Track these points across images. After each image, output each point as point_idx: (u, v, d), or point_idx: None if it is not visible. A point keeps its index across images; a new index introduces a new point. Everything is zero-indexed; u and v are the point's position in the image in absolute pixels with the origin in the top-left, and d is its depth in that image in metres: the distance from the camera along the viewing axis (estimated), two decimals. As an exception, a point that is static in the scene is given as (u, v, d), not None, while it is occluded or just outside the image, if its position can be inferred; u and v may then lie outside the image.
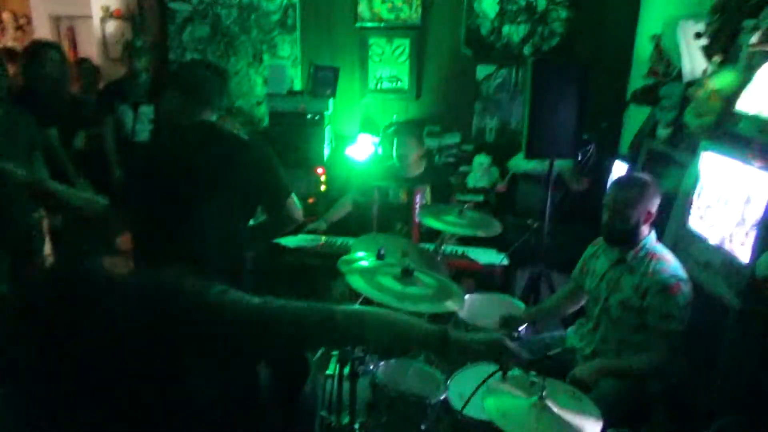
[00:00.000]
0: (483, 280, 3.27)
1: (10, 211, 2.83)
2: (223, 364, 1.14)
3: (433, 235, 3.02)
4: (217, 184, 1.98)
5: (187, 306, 1.08)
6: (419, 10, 4.32)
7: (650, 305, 2.07)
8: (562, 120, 2.97)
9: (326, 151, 4.22)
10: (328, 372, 2.33)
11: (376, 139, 4.41)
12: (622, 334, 2.19)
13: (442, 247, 2.88)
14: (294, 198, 2.19)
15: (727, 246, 2.27)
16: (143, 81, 4.05)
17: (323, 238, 3.42)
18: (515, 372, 1.42)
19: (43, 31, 6.22)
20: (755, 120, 2.24)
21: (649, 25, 3.90)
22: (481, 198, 4.23)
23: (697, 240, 2.47)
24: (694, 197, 2.56)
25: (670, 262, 2.11)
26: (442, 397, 2.01)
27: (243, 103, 4.70)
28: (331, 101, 4.21)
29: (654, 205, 2.12)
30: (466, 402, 1.58)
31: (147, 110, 4.07)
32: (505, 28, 4.32)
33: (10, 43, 6.48)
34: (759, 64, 2.33)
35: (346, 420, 2.13)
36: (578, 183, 3.84)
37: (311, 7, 4.47)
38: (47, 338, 0.97)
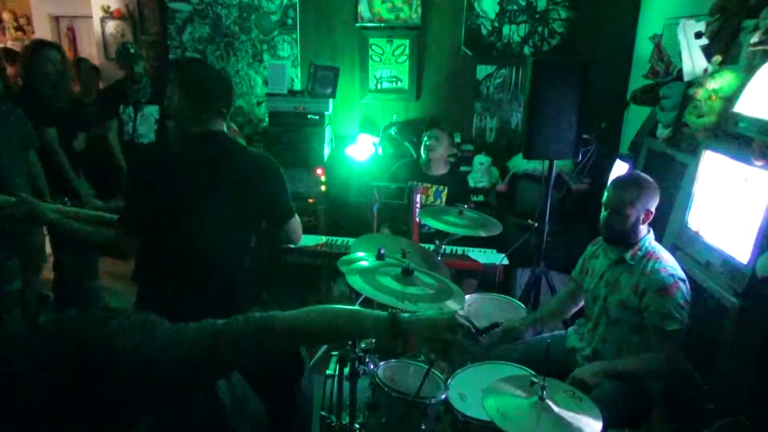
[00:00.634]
0: (483, 280, 3.27)
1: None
2: (171, 399, 1.12)
3: (432, 236, 3.03)
4: (230, 197, 1.97)
5: (108, 357, 1.04)
6: (419, 10, 4.32)
7: (649, 305, 2.07)
8: (561, 120, 2.97)
9: (326, 151, 4.22)
10: (328, 372, 2.33)
11: (376, 139, 4.41)
12: (621, 334, 2.19)
13: (443, 247, 2.88)
14: (297, 219, 2.19)
15: (727, 246, 2.27)
16: (145, 82, 4.06)
17: (323, 238, 3.42)
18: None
19: (43, 31, 6.23)
20: (755, 120, 2.24)
21: (649, 25, 3.90)
22: (481, 198, 4.23)
23: (697, 240, 2.47)
24: (694, 197, 2.56)
25: (668, 262, 2.11)
26: (442, 397, 2.01)
27: (243, 103, 4.70)
28: (331, 101, 4.21)
29: (653, 204, 2.12)
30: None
31: (149, 110, 4.07)
32: (505, 28, 4.32)
33: (9, 43, 6.48)
34: (759, 64, 2.33)
35: (346, 420, 2.13)
36: (578, 182, 3.84)
37: (311, 7, 4.47)
38: None
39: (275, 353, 1.23)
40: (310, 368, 2.31)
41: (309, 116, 4.12)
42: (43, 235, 3.55)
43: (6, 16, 7.01)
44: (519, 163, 4.13)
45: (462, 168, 4.33)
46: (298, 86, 4.52)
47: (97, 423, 1.02)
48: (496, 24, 4.31)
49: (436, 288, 2.09)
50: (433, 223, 2.67)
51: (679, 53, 2.72)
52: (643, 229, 2.16)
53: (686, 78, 2.71)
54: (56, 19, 6.28)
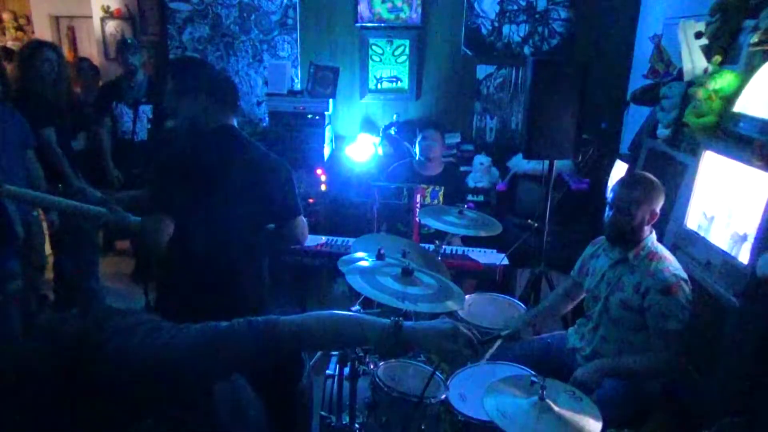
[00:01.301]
0: (483, 280, 3.27)
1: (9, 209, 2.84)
2: (171, 401, 1.12)
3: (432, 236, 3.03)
4: (243, 193, 1.98)
5: (112, 358, 1.05)
6: (419, 10, 4.32)
7: (651, 305, 2.07)
8: (561, 120, 2.97)
9: (326, 151, 4.22)
10: (328, 372, 2.33)
11: (377, 139, 4.41)
12: (622, 334, 2.19)
13: (443, 247, 2.88)
14: (302, 219, 2.21)
15: (727, 246, 2.27)
16: (141, 80, 4.05)
17: (323, 238, 3.42)
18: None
19: (43, 31, 6.23)
20: (755, 120, 2.24)
21: (649, 25, 3.90)
22: (481, 198, 4.23)
23: (697, 240, 2.47)
24: (694, 197, 2.56)
25: (670, 262, 2.11)
26: (442, 397, 2.01)
27: (243, 103, 4.70)
28: (331, 101, 4.21)
29: (658, 205, 2.13)
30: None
31: (143, 109, 4.07)
32: (506, 28, 4.32)
33: (9, 43, 6.48)
34: (759, 64, 2.33)
35: (346, 420, 2.13)
36: (578, 182, 3.84)
37: (311, 7, 4.47)
38: None
39: (276, 357, 1.23)
40: (310, 368, 2.31)
41: (309, 116, 4.12)
42: (44, 235, 3.55)
43: (6, 16, 7.02)
44: (519, 163, 4.13)
45: (462, 168, 4.33)
46: (298, 86, 4.52)
47: (96, 425, 1.02)
48: (496, 24, 4.31)
49: (436, 288, 2.09)
50: (433, 223, 2.67)
51: (679, 53, 2.72)
52: (647, 229, 2.16)
53: (686, 78, 2.71)
54: (56, 19, 6.28)
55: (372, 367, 2.15)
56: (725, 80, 2.45)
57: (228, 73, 2.12)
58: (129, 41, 4.03)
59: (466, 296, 2.56)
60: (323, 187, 4.15)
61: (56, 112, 3.42)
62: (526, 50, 4.34)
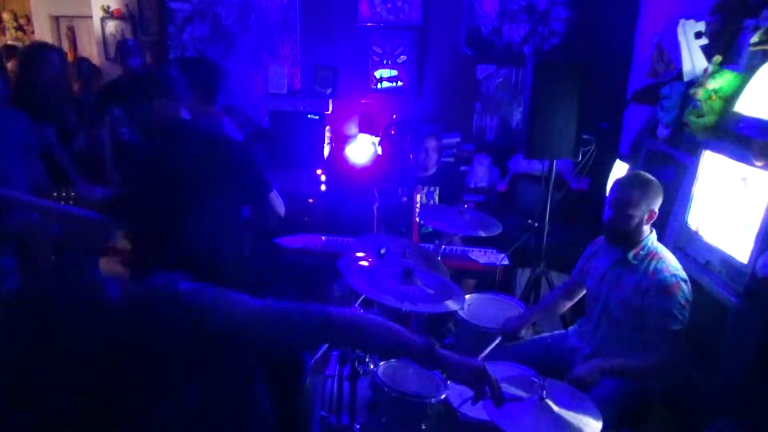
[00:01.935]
0: (483, 280, 3.27)
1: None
2: (218, 371, 1.14)
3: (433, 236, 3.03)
4: (209, 183, 1.99)
5: (180, 311, 1.09)
6: (419, 10, 4.32)
7: (651, 305, 2.07)
8: (562, 120, 2.97)
9: (326, 151, 4.22)
10: (328, 372, 2.33)
11: (376, 139, 4.41)
12: (622, 334, 2.19)
13: (443, 247, 2.88)
14: (275, 193, 2.22)
15: (727, 246, 2.27)
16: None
17: (323, 238, 3.42)
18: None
19: (43, 31, 6.23)
20: (755, 120, 2.24)
21: (649, 24, 3.90)
22: (481, 198, 4.23)
23: (697, 240, 2.47)
24: (694, 197, 2.56)
25: (670, 262, 2.11)
26: (442, 397, 2.01)
27: (243, 103, 4.70)
28: (331, 101, 4.21)
29: (656, 204, 2.12)
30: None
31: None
32: (506, 28, 4.32)
33: (10, 43, 6.48)
34: (759, 64, 2.33)
35: (346, 420, 2.13)
36: (578, 182, 3.84)
37: (311, 7, 4.47)
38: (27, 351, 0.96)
39: (325, 341, 1.27)
40: (310, 368, 2.31)
41: (309, 116, 4.12)
42: (46, 235, 3.55)
43: (6, 16, 7.01)
44: (519, 163, 4.13)
45: (462, 168, 4.33)
46: (298, 86, 4.52)
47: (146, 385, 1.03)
48: (496, 24, 4.31)
49: (436, 288, 2.09)
50: (433, 223, 2.67)
51: (680, 53, 2.72)
52: (647, 229, 2.16)
53: (686, 78, 2.71)
54: (56, 19, 6.28)
55: (372, 367, 2.15)
56: (725, 80, 2.45)
57: (183, 62, 2.14)
58: (129, 43, 4.03)
59: (466, 296, 2.57)
60: (323, 187, 4.15)
61: (55, 112, 3.42)
62: (526, 50, 4.34)
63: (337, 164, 4.41)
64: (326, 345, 2.16)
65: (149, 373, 1.03)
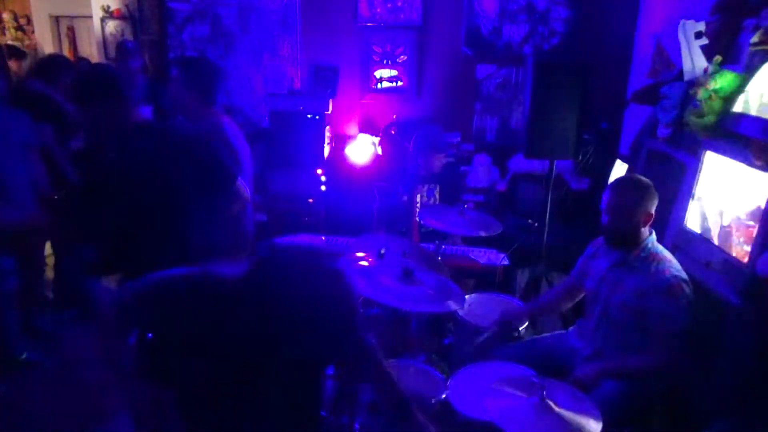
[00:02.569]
0: (483, 280, 3.27)
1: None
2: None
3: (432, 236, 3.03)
4: (172, 185, 1.95)
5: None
6: (419, 10, 4.32)
7: (651, 306, 2.06)
8: (562, 120, 2.97)
9: (326, 151, 4.22)
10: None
11: (377, 139, 4.41)
12: (622, 335, 2.19)
13: (443, 247, 2.88)
14: (240, 181, 2.17)
15: (727, 246, 2.27)
16: (140, 82, 4.05)
17: (323, 238, 3.42)
18: None
19: (43, 31, 6.23)
20: (755, 120, 2.24)
21: (649, 24, 3.90)
22: (481, 198, 4.23)
23: (697, 240, 2.47)
24: (694, 197, 2.56)
25: (671, 263, 2.11)
26: (442, 397, 2.01)
27: (243, 103, 4.70)
28: (331, 101, 4.21)
29: (652, 206, 2.12)
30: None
31: (146, 111, 4.06)
32: (506, 28, 4.32)
33: (10, 43, 6.48)
34: (759, 64, 2.33)
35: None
36: (578, 182, 3.84)
37: (311, 7, 4.47)
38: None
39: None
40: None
41: (309, 116, 4.12)
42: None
43: (6, 16, 7.01)
44: (519, 163, 4.13)
45: (462, 168, 4.33)
46: (298, 86, 4.52)
47: None
48: (496, 24, 4.31)
49: (436, 288, 2.09)
50: (434, 223, 2.67)
51: (680, 53, 2.72)
52: (646, 230, 2.16)
53: (686, 78, 2.71)
54: (56, 19, 6.29)
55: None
56: (725, 80, 2.45)
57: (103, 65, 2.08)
58: (128, 45, 4.03)
59: (466, 296, 2.57)
60: (323, 187, 4.15)
61: (54, 110, 3.42)
62: (526, 50, 4.34)
63: (337, 164, 4.41)
64: None
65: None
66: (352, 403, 2.08)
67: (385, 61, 4.46)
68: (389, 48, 4.43)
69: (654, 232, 2.19)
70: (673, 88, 2.83)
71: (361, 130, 4.56)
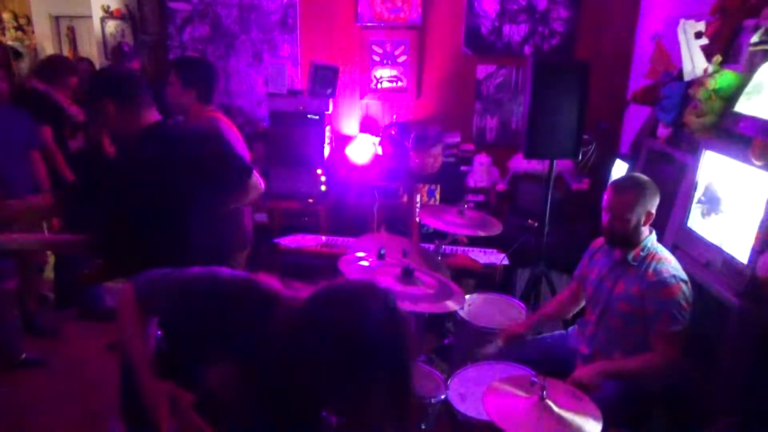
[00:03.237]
0: (483, 280, 3.27)
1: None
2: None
3: (432, 236, 3.03)
4: (197, 182, 1.96)
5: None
6: (419, 10, 4.32)
7: (651, 306, 2.07)
8: (562, 120, 2.97)
9: (326, 151, 4.22)
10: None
11: (377, 139, 4.41)
12: (622, 335, 2.19)
13: (443, 247, 2.88)
14: (255, 175, 2.17)
15: (727, 246, 2.27)
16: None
17: (323, 238, 3.42)
18: None
19: (43, 31, 6.23)
20: (755, 120, 2.24)
21: (649, 24, 3.90)
22: (481, 198, 4.23)
23: (697, 240, 2.47)
24: (694, 197, 2.56)
25: (670, 263, 2.11)
26: (442, 397, 2.01)
27: (243, 103, 4.70)
28: (331, 101, 4.21)
29: (653, 205, 2.12)
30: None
31: None
32: (506, 28, 4.32)
33: (9, 43, 6.48)
34: (759, 64, 2.33)
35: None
36: (578, 182, 3.84)
37: (311, 7, 4.47)
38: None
39: None
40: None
41: (309, 116, 4.12)
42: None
43: (6, 16, 7.00)
44: (519, 163, 4.13)
45: (462, 168, 4.33)
46: (298, 86, 4.52)
47: None
48: (496, 24, 4.31)
49: (436, 288, 2.09)
50: (434, 223, 2.67)
51: (680, 53, 2.72)
52: (646, 230, 2.16)
53: (686, 78, 2.71)
54: (56, 19, 6.29)
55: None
56: (725, 80, 2.45)
57: (129, 68, 2.05)
58: (124, 48, 4.02)
59: (466, 296, 2.57)
60: (323, 187, 4.15)
61: (54, 112, 3.42)
62: (526, 50, 4.34)
63: (337, 164, 4.41)
64: None
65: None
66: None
67: (385, 61, 4.46)
68: (389, 48, 4.43)
69: (654, 232, 2.19)
70: (673, 88, 2.83)
71: (361, 130, 4.56)
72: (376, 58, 4.46)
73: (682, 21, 2.71)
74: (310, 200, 4.08)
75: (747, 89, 2.36)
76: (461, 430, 1.97)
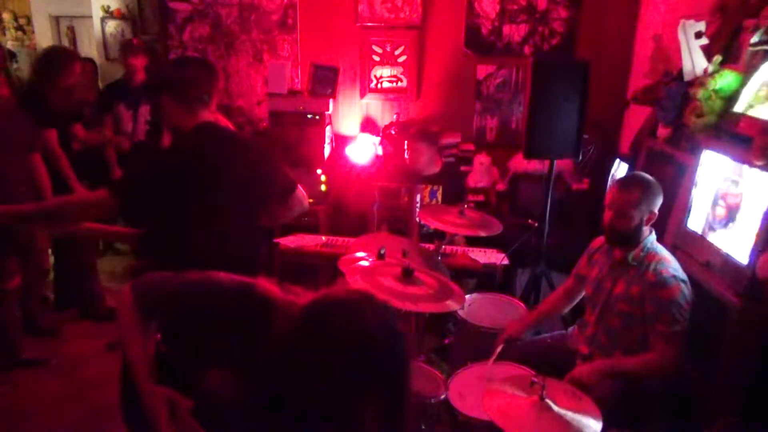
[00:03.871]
0: (483, 280, 3.27)
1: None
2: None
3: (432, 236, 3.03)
4: (231, 187, 1.97)
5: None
6: (419, 10, 4.32)
7: (650, 306, 2.07)
8: (562, 120, 2.97)
9: (326, 151, 4.22)
10: None
11: (377, 139, 4.41)
12: (622, 335, 2.19)
13: (443, 247, 2.88)
14: (299, 191, 2.19)
15: (727, 246, 2.27)
16: (141, 81, 4.04)
17: (323, 238, 3.42)
18: None
19: (43, 31, 6.23)
20: (755, 120, 2.24)
21: (649, 24, 3.90)
22: (481, 198, 4.23)
23: (697, 240, 2.47)
24: (694, 197, 2.56)
25: (670, 263, 2.11)
26: (442, 397, 2.01)
27: (243, 102, 4.70)
28: (331, 101, 4.21)
29: (656, 205, 2.12)
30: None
31: (145, 111, 4.06)
32: (506, 28, 4.32)
33: (10, 44, 6.48)
34: (759, 64, 2.33)
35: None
36: (578, 182, 3.84)
37: (311, 7, 4.47)
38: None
39: None
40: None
41: (309, 116, 4.12)
42: (47, 240, 3.55)
43: (6, 16, 7.01)
44: (519, 163, 4.13)
45: (462, 168, 4.33)
46: (298, 86, 4.52)
47: None
48: (496, 24, 4.31)
49: (436, 288, 2.09)
50: (434, 223, 2.67)
51: (679, 53, 2.72)
52: (646, 230, 2.16)
53: (686, 78, 2.71)
54: (56, 19, 6.28)
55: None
56: (725, 80, 2.45)
57: (203, 64, 2.07)
58: (133, 43, 4.02)
59: (466, 296, 2.57)
60: (323, 187, 4.15)
61: (60, 115, 3.41)
62: (526, 50, 4.34)
63: (337, 164, 4.41)
64: None
65: None
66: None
67: (385, 61, 4.46)
68: (389, 48, 4.43)
69: (654, 232, 2.19)
70: (673, 88, 2.83)
71: (361, 130, 4.56)
72: (376, 58, 4.46)
73: (682, 21, 2.71)
74: (310, 200, 4.08)
75: (746, 89, 2.35)
76: (461, 430, 1.97)
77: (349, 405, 1.02)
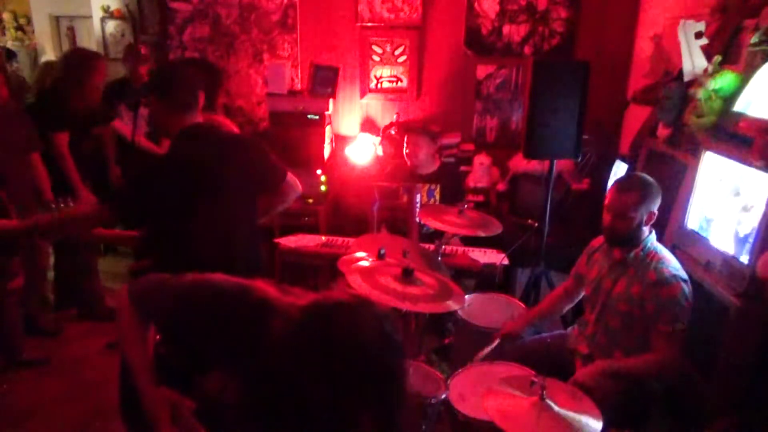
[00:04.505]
0: (483, 280, 3.27)
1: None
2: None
3: (432, 236, 3.03)
4: (225, 185, 1.99)
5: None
6: (419, 10, 4.32)
7: (651, 306, 2.07)
8: (562, 120, 2.97)
9: (326, 151, 4.22)
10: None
11: (377, 139, 4.41)
12: (622, 334, 2.19)
13: (443, 247, 2.88)
14: (290, 176, 2.22)
15: (727, 246, 2.27)
16: (143, 84, 4.03)
17: (323, 238, 3.42)
18: None
19: (43, 31, 6.23)
20: (755, 120, 2.24)
21: (649, 24, 3.90)
22: (481, 198, 4.23)
23: (697, 240, 2.47)
24: (694, 197, 2.56)
25: (670, 263, 2.11)
26: (442, 397, 2.01)
27: (243, 102, 4.70)
28: (331, 101, 4.21)
29: (656, 205, 2.12)
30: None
31: (146, 111, 4.06)
32: (506, 28, 4.32)
33: (9, 44, 6.48)
34: (759, 64, 2.33)
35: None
36: (578, 182, 3.84)
37: (311, 7, 4.47)
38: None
39: None
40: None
41: (309, 116, 4.12)
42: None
43: (6, 16, 7.01)
44: (519, 163, 4.13)
45: (462, 168, 4.33)
46: (298, 86, 4.52)
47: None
48: (496, 24, 4.31)
49: (436, 288, 2.09)
50: (433, 223, 2.67)
51: (680, 53, 2.72)
52: (646, 230, 2.16)
53: (686, 78, 2.71)
54: (56, 19, 6.28)
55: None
56: (725, 80, 2.45)
57: (202, 65, 2.10)
58: (141, 52, 4.00)
59: (466, 296, 2.57)
60: (323, 187, 4.15)
61: (71, 117, 3.40)
62: (526, 50, 4.34)
63: (338, 164, 4.41)
64: None
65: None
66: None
67: (385, 61, 4.46)
68: (389, 48, 4.43)
69: (653, 232, 2.19)
70: (673, 88, 2.83)
71: (361, 130, 4.56)
72: (376, 58, 4.46)
73: (682, 21, 2.71)
74: (310, 200, 4.08)
75: (747, 89, 2.35)
76: (461, 430, 1.97)
77: (346, 408, 1.02)
